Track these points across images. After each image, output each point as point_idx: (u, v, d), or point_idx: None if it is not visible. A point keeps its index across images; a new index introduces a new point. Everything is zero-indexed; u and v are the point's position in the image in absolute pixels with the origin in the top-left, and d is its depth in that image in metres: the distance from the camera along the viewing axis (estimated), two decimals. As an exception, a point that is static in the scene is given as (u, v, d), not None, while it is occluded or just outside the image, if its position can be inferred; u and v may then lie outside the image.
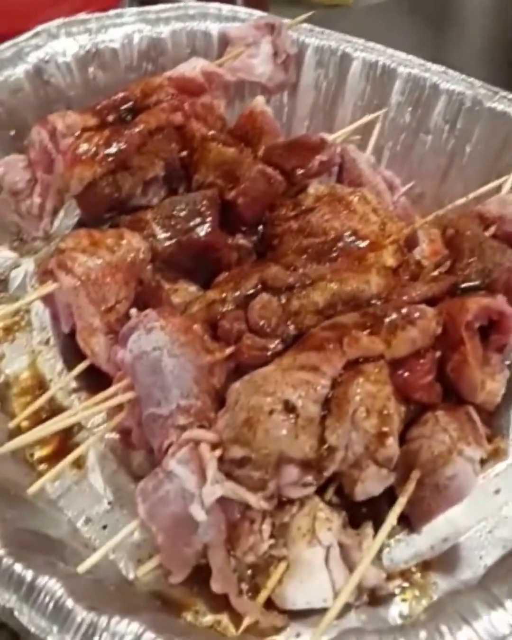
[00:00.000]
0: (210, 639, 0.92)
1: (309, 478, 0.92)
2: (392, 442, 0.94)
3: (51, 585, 0.81)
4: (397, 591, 0.98)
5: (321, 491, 0.97)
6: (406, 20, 2.27)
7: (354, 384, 0.95)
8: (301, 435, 0.90)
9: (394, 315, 1.02)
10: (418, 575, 1.00)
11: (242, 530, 0.92)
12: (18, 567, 0.82)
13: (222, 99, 1.49)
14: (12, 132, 1.44)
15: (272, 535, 0.93)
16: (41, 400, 1.10)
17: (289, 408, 0.91)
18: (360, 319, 1.03)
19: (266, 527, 0.93)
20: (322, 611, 0.88)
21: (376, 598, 0.95)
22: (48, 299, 1.15)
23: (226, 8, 1.65)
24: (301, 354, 0.98)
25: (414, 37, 2.09)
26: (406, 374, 1.01)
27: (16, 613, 0.80)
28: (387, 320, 1.02)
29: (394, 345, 1.00)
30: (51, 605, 0.80)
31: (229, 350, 1.03)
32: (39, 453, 1.09)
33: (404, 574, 1.00)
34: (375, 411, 0.94)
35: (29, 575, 0.82)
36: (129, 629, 0.79)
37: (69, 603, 0.80)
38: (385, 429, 0.94)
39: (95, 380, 1.10)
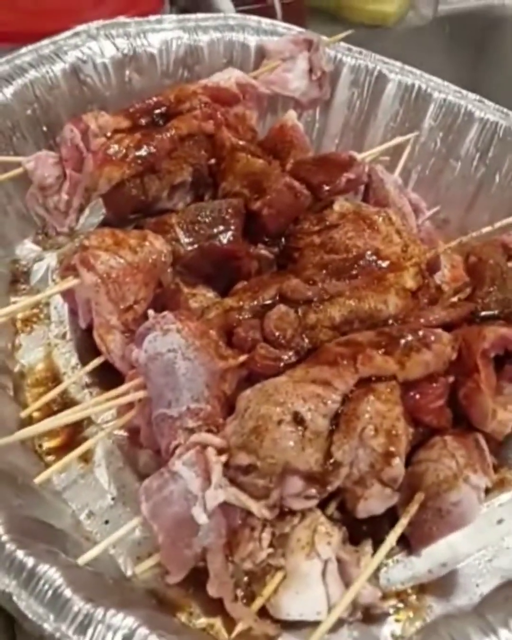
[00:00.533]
0: (203, 642, 0.92)
1: (313, 491, 0.92)
2: (398, 462, 0.94)
3: (51, 573, 0.82)
4: (391, 611, 0.98)
5: (323, 505, 0.97)
6: (444, 44, 2.27)
7: (364, 401, 0.95)
8: (307, 448, 0.91)
9: (409, 337, 1.03)
10: (414, 597, 1.00)
11: (242, 536, 0.92)
12: (20, 554, 0.83)
13: (254, 111, 1.50)
14: (45, 128, 1.44)
15: (271, 545, 0.93)
16: (54, 393, 1.11)
17: (298, 420, 0.91)
18: (375, 338, 1.03)
19: (266, 536, 0.93)
20: (315, 624, 0.88)
21: (369, 616, 0.95)
22: (68, 294, 1.15)
23: (266, 21, 1.66)
24: (314, 367, 0.99)
25: (451, 62, 2.09)
26: (418, 396, 1.01)
27: (15, 598, 0.81)
28: (402, 341, 1.02)
29: (408, 367, 1.00)
30: (50, 593, 0.81)
31: (242, 357, 1.03)
32: (48, 444, 1.10)
33: (400, 595, 1.00)
34: (383, 430, 0.94)
35: (30, 562, 0.82)
36: (124, 623, 0.80)
37: (67, 593, 0.81)
38: (392, 448, 0.94)
39: (108, 376, 1.11)
